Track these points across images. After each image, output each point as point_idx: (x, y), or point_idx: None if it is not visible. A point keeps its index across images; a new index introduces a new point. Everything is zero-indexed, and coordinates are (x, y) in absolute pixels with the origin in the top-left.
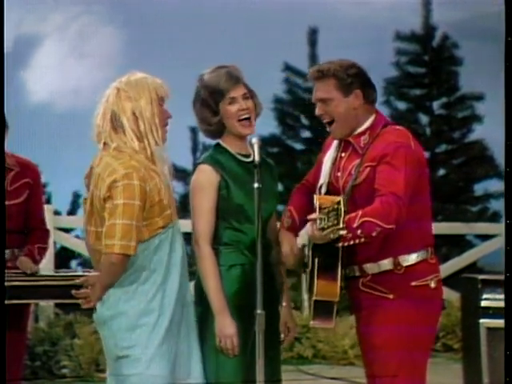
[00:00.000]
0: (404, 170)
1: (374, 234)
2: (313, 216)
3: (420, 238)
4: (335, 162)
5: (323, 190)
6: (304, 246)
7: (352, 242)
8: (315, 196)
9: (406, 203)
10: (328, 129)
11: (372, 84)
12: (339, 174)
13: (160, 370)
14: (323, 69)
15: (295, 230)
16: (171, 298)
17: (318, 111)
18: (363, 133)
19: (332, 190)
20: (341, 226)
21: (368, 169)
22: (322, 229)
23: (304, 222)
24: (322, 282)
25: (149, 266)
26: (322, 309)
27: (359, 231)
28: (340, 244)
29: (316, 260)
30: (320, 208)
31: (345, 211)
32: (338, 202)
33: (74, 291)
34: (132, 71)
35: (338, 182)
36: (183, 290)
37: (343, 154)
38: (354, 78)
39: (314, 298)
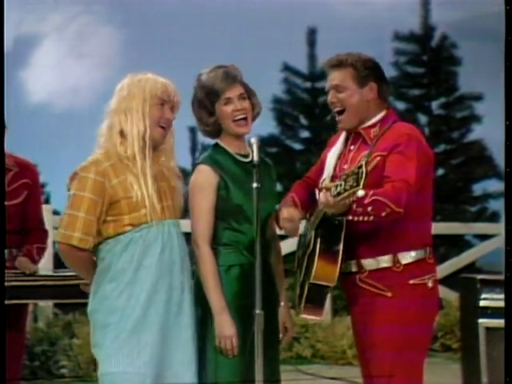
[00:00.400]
0: (416, 161)
1: (383, 214)
2: (328, 185)
3: (420, 237)
4: (341, 157)
5: (326, 182)
6: (301, 235)
7: (361, 219)
8: (318, 190)
9: (415, 191)
10: (337, 118)
11: (387, 81)
12: (346, 166)
13: (121, 368)
14: (342, 58)
15: (295, 206)
16: (139, 299)
17: (330, 98)
18: (374, 125)
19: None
20: (360, 186)
21: (378, 158)
22: (338, 194)
23: (304, 207)
24: (322, 262)
25: (116, 265)
26: (314, 298)
27: (370, 208)
28: (350, 217)
29: (318, 240)
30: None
31: (366, 174)
32: (360, 166)
33: (82, 286)
34: (132, 71)
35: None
36: (165, 293)
37: (352, 147)
38: (370, 71)
39: (310, 280)
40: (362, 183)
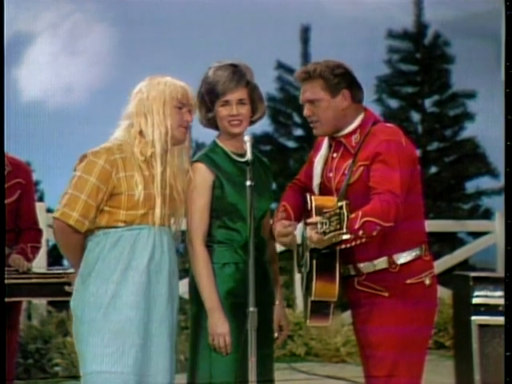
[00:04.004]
0: (398, 168)
1: (374, 233)
2: (313, 220)
3: (414, 236)
4: (327, 163)
5: (316, 191)
6: (298, 245)
7: (353, 244)
8: (309, 196)
9: (402, 201)
10: (311, 125)
11: (359, 84)
12: (331, 174)
13: (104, 367)
14: (309, 70)
15: (289, 220)
16: (126, 301)
17: (305, 112)
18: (354, 132)
19: (324, 190)
20: (344, 230)
21: (361, 168)
22: (324, 233)
23: (298, 219)
24: (320, 283)
25: (103, 260)
26: (320, 308)
27: (361, 232)
28: (342, 246)
29: (314, 262)
30: (317, 209)
31: (347, 216)
32: (341, 207)
33: (66, 287)
34: (126, 69)
35: (330, 182)
36: (151, 299)
37: (335, 155)
38: (340, 78)
39: (312, 298)
40: (344, 226)
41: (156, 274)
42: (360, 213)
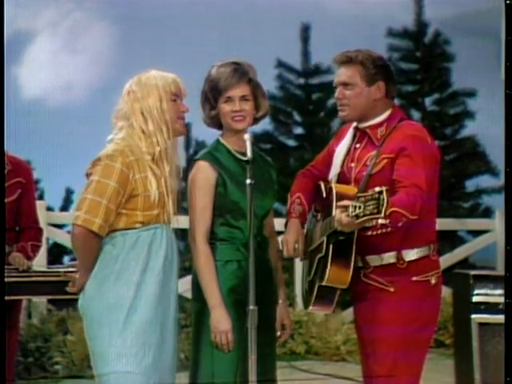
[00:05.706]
0: (423, 164)
1: (400, 224)
2: (345, 203)
3: (425, 234)
4: (348, 153)
5: (333, 180)
6: (308, 231)
7: (379, 232)
8: (324, 184)
9: (426, 196)
10: (338, 107)
11: (394, 81)
12: (352, 164)
13: (129, 368)
14: (351, 55)
15: (304, 217)
16: (146, 301)
17: (337, 94)
18: (380, 124)
19: (343, 179)
20: (382, 215)
21: (385, 160)
22: (356, 216)
23: (310, 210)
24: (335, 268)
25: (123, 262)
26: (325, 295)
27: (388, 221)
28: (369, 233)
29: (331, 246)
30: (338, 196)
31: (387, 201)
32: (380, 192)
33: (69, 287)
34: (126, 67)
35: (350, 172)
36: (167, 297)
37: (358, 145)
38: (379, 70)
39: (323, 283)
40: (383, 211)
41: (169, 273)
42: None
